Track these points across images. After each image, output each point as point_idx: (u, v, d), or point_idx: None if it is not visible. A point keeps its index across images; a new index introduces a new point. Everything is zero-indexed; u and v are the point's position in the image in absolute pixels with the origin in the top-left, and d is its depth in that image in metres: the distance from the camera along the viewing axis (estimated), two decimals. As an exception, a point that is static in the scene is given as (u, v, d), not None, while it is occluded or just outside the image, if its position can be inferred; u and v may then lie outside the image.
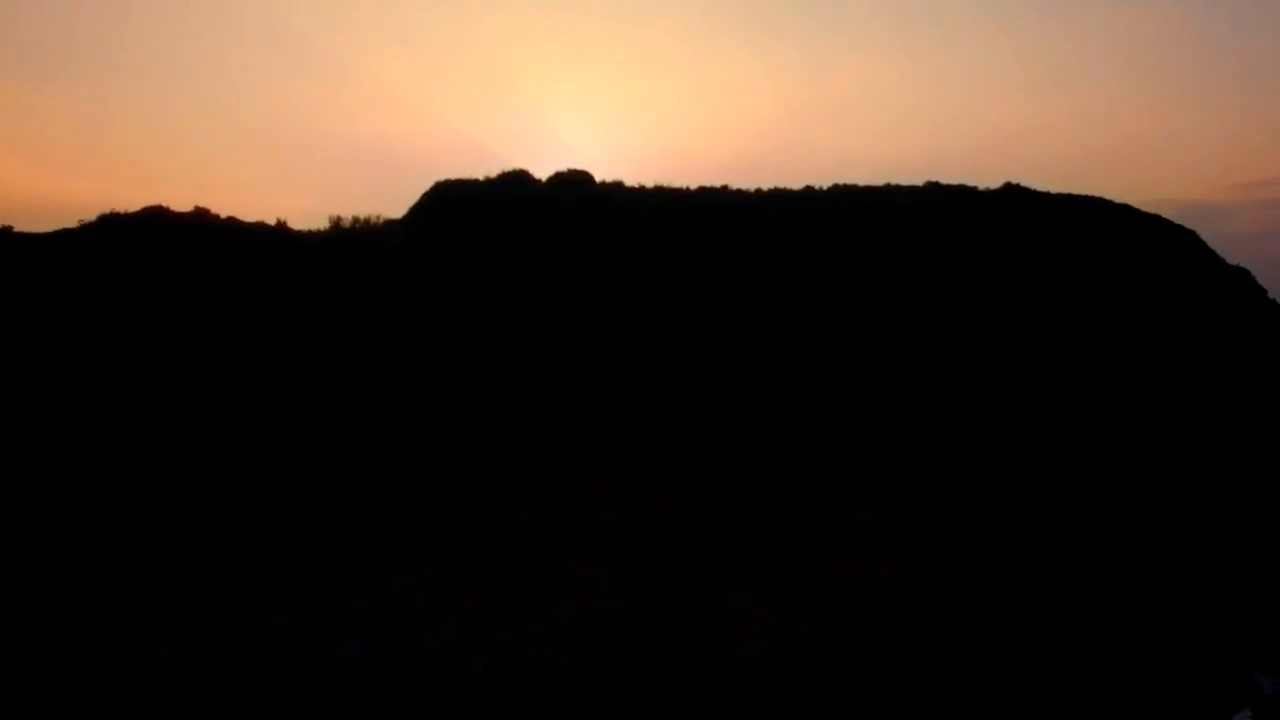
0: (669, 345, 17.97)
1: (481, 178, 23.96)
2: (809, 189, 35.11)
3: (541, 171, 25.48)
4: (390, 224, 21.67)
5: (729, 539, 14.55)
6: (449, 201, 22.11)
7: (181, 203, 19.05)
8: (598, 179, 26.03)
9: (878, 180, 36.30)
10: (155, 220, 18.24)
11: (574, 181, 24.47)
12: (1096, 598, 15.08)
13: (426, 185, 24.93)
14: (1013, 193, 38.98)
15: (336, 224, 19.12)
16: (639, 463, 15.01)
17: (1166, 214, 38.55)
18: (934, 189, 37.77)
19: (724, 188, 29.97)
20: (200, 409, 14.59)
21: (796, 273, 21.37)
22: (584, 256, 19.56)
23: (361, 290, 17.34)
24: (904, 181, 37.33)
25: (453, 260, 18.50)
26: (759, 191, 32.71)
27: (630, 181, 27.46)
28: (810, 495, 15.64)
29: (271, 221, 19.34)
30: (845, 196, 33.60)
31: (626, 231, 20.78)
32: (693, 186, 29.30)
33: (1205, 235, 37.10)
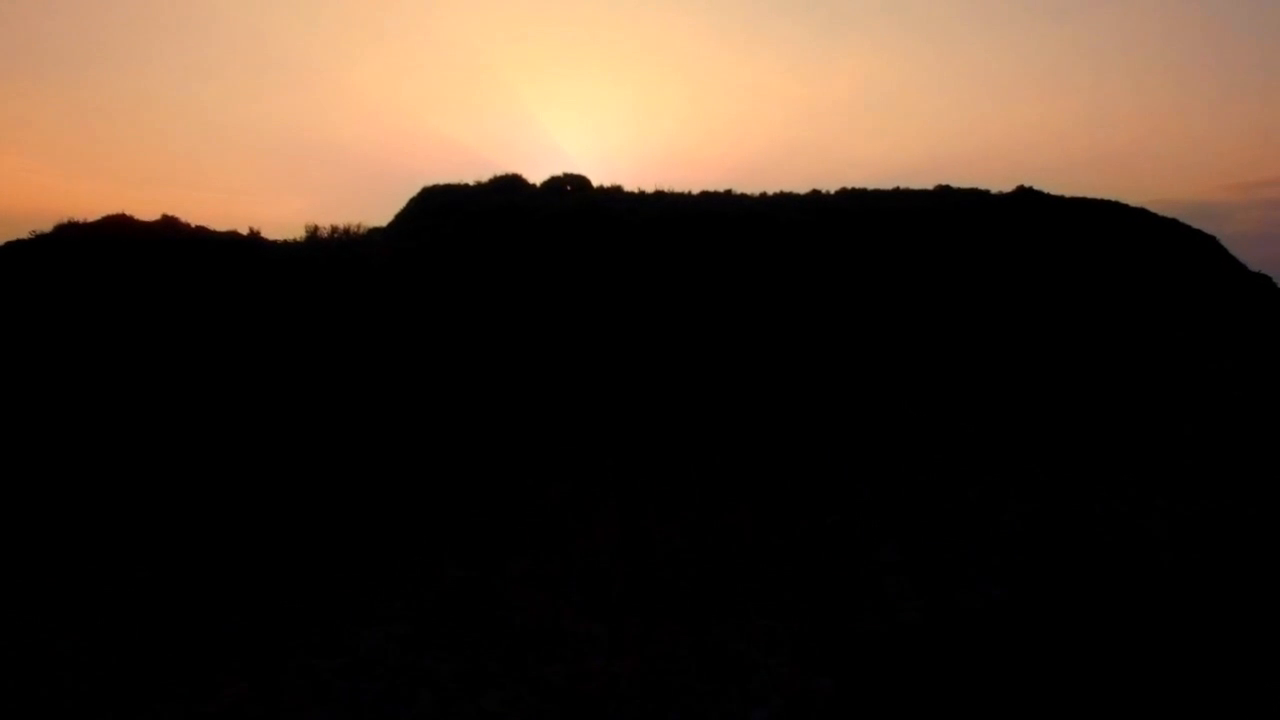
0: (673, 364, 16.63)
1: (472, 182, 22.67)
2: (815, 193, 33.78)
3: (535, 176, 24.18)
4: (374, 232, 20.36)
5: (739, 583, 13.27)
6: (437, 208, 20.78)
7: (182, 204, 17.66)
8: (595, 183, 24.72)
9: (883, 183, 34.97)
10: (117, 229, 16.88)
11: (570, 186, 23.16)
12: (1138, 638, 13.83)
13: (413, 192, 23.70)
14: (1026, 196, 37.72)
15: (313, 233, 17.80)
16: (640, 497, 13.70)
17: (1166, 214, 37.41)
18: (945, 193, 36.50)
19: (728, 192, 28.67)
20: (152, 436, 13.27)
21: (808, 283, 20.05)
22: (582, 266, 18.23)
23: (338, 304, 16.00)
24: (913, 185, 36.17)
25: (440, 271, 17.16)
26: (764, 196, 31.42)
27: (630, 186, 26.21)
28: (828, 533, 14.35)
29: (245, 230, 18.01)
30: (854, 201, 32.30)
31: (627, 239, 19.45)
32: (695, 191, 28.07)
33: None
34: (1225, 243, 39.41)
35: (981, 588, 14.46)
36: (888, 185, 33.68)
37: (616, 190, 24.85)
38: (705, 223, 19.89)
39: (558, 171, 23.95)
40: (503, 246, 18.79)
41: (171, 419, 13.30)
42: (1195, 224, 37.35)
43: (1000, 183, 39.19)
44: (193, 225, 18.02)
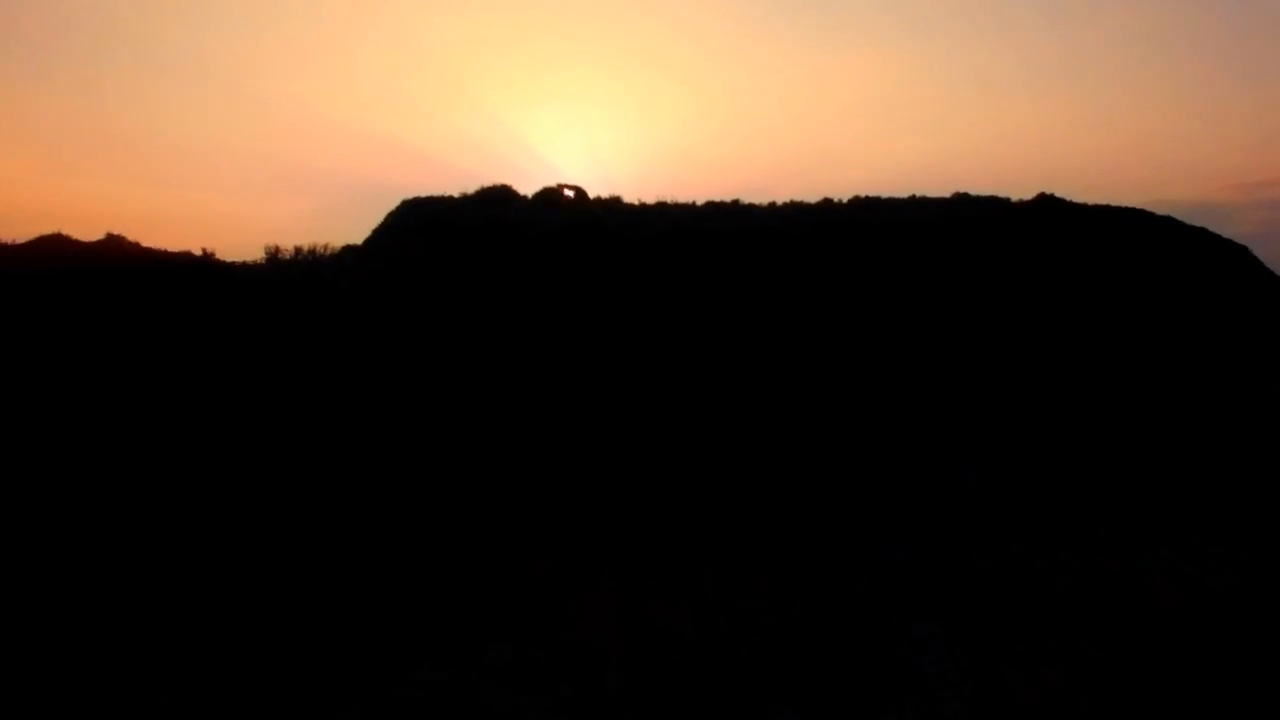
0: (678, 404, 14.72)
1: (457, 194, 20.75)
2: (827, 201, 31.89)
3: (527, 188, 22.29)
4: (348, 250, 18.47)
5: (756, 670, 11.39)
6: (417, 223, 18.87)
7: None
8: (591, 195, 22.82)
9: (888, 184, 33.08)
10: (50, 251, 14.99)
11: (564, 198, 21.26)
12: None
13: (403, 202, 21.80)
14: (1047, 204, 35.79)
15: (274, 254, 15.91)
16: (640, 568, 11.80)
17: (1167, 213, 35.69)
18: (962, 201, 34.61)
19: (735, 202, 26.80)
20: (47, 505, 11.37)
21: (825, 307, 18.14)
22: (577, 291, 16.31)
23: (297, 336, 14.08)
24: (922, 188, 34.25)
25: (414, 297, 15.24)
26: (773, 206, 29.56)
27: (629, 197, 24.32)
28: (857, 603, 12.46)
29: (208, 250, 16.10)
30: (868, 211, 30.41)
31: (628, 258, 17.53)
32: (700, 201, 26.19)
33: None
34: (1110, 205, 37.20)
35: (1034, 668, 12.58)
36: (898, 190, 31.81)
37: (615, 202, 22.94)
38: (712, 241, 17.99)
39: (550, 183, 22.09)
40: (488, 268, 16.87)
41: (91, 459, 11.43)
42: (1195, 224, 35.65)
43: (1000, 182, 37.23)
44: (140, 244, 16.14)
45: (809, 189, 33.24)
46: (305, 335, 13.92)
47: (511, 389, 14.16)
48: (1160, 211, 34.81)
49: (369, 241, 19.31)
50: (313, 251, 16.31)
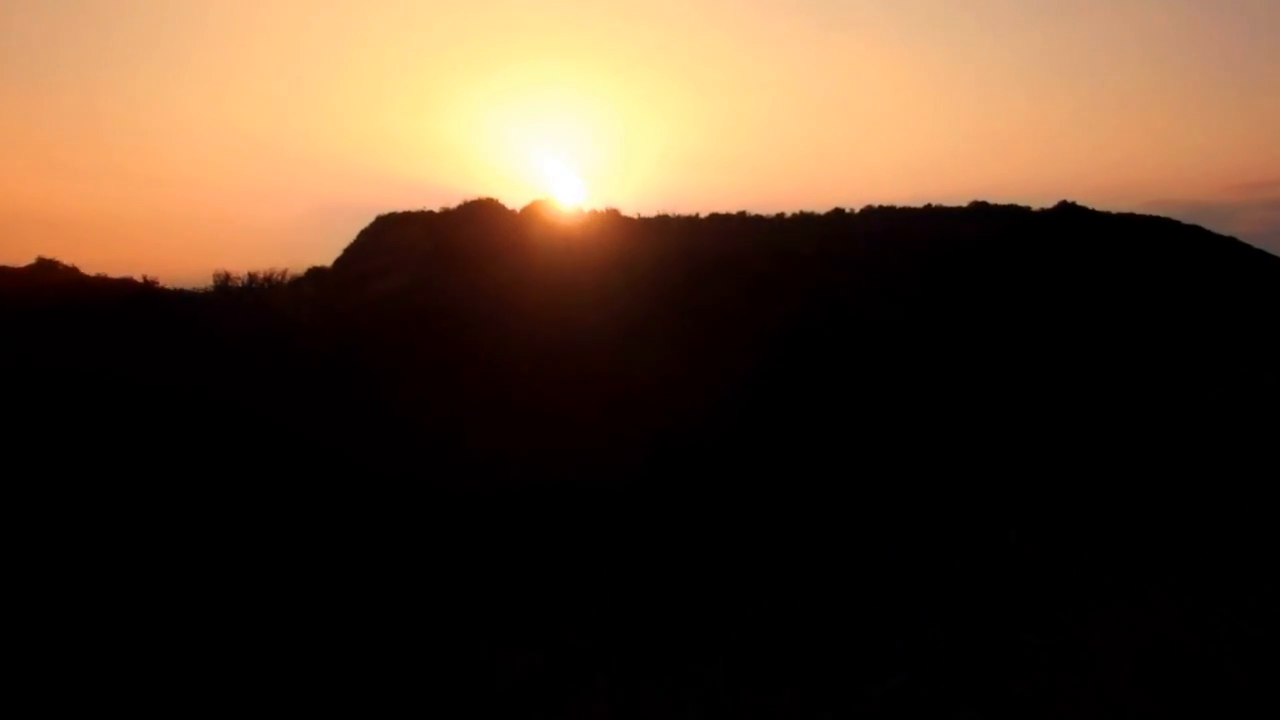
0: (678, 466, 12.89)
1: (437, 208, 18.91)
2: (838, 212, 30.05)
3: (514, 200, 20.48)
4: (314, 273, 16.62)
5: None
6: (392, 243, 17.05)
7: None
8: (586, 207, 20.96)
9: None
10: (-34, 280, 13.16)
11: (557, 212, 19.39)
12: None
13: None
14: (1069, 213, 33.93)
15: (224, 281, 14.10)
16: (636, 668, 9.96)
17: (1166, 214, 34.07)
18: (982, 210, 32.74)
19: (741, 214, 24.95)
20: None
21: (838, 346, 16.29)
22: (567, 332, 14.48)
23: (239, 379, 12.24)
24: (947, 202, 32.33)
25: (375, 333, 13.39)
26: (781, 218, 27.70)
27: (628, 208, 22.50)
28: (892, 700, 10.63)
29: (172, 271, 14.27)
30: (883, 222, 28.58)
31: (634, 287, 15.70)
32: (703, 214, 24.32)
33: None
34: (1134, 213, 35.38)
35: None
36: (901, 192, 29.88)
37: (613, 215, 21.09)
38: (727, 268, 16.11)
39: (539, 197, 20.23)
40: (470, 295, 15.02)
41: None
42: (1194, 224, 34.00)
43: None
44: (76, 270, 14.31)
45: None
46: (245, 380, 12.07)
47: (483, 440, 12.31)
48: (1160, 212, 33.06)
49: (338, 263, 17.48)
50: (269, 278, 14.47)
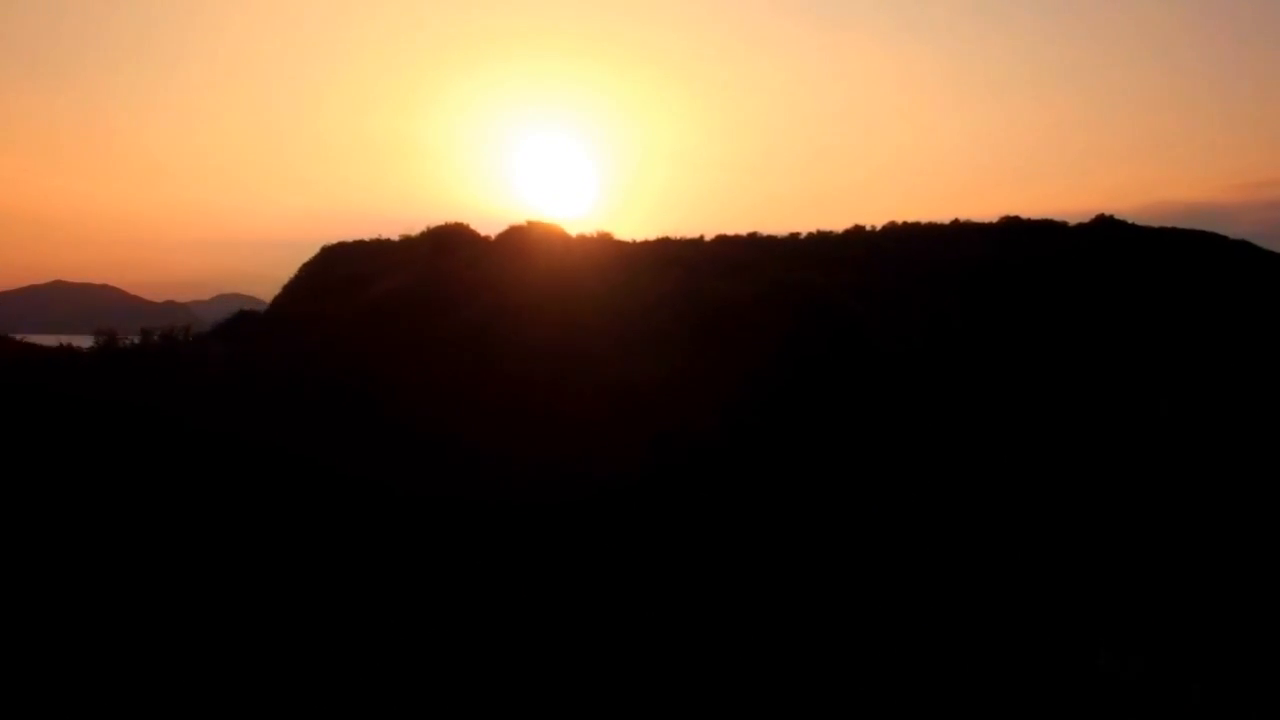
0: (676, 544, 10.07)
1: (396, 237, 16.11)
2: (858, 229, 27.07)
3: (489, 224, 17.71)
4: (241, 318, 13.78)
5: None
6: (340, 280, 14.24)
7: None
8: (573, 231, 18.14)
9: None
10: None
11: (538, 238, 16.53)
12: None
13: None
14: (1107, 227, 31.03)
15: (108, 342, 11.33)
16: None
17: (1166, 214, 31.41)
18: (1012, 226, 29.83)
19: (752, 236, 22.07)
20: None
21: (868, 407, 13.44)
22: (558, 380, 11.64)
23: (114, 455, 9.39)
24: (974, 218, 29.34)
25: (290, 394, 10.54)
26: (795, 238, 24.86)
27: (622, 230, 19.69)
28: None
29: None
30: (907, 243, 25.59)
31: (626, 327, 12.87)
32: (709, 236, 21.46)
33: None
34: (1175, 227, 32.61)
35: None
36: (932, 212, 27.09)
37: (604, 239, 18.27)
38: (728, 316, 13.23)
39: (515, 210, 17.37)
40: (432, 344, 12.18)
41: None
42: (1195, 224, 31.07)
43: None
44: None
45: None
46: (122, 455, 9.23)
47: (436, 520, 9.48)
48: (1160, 211, 30.32)
49: (275, 303, 14.69)
50: (170, 334, 11.70)
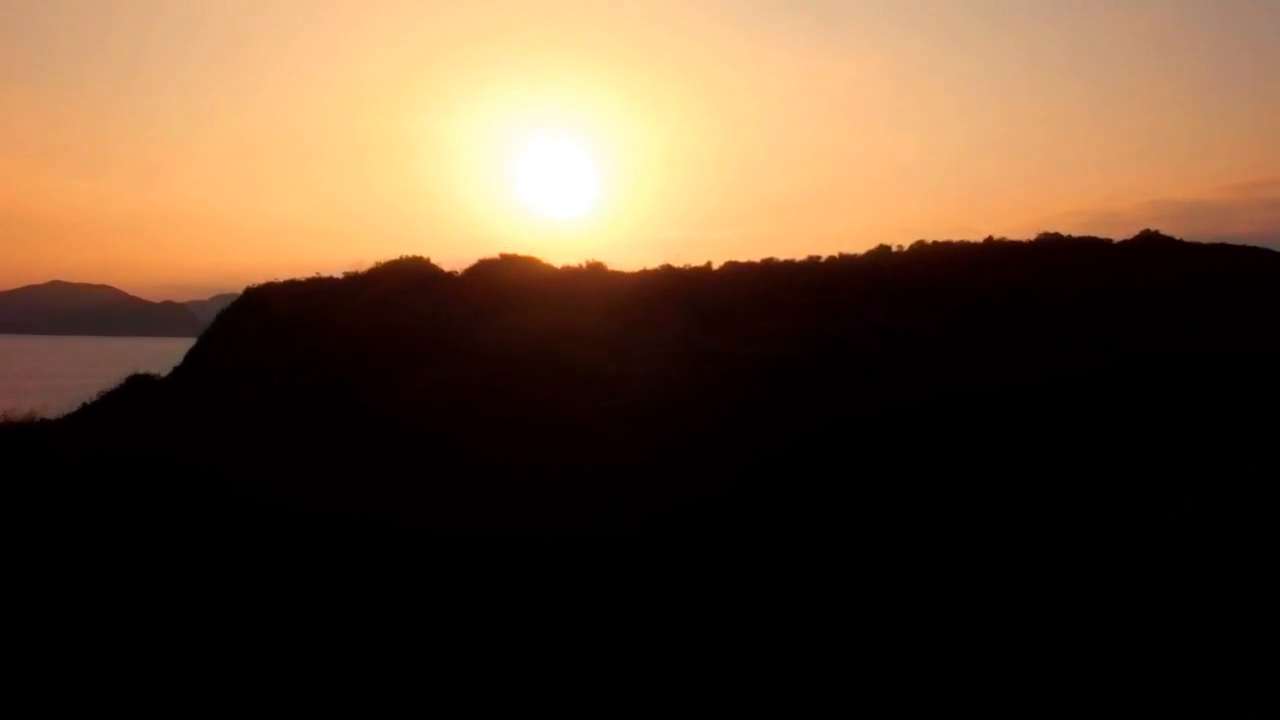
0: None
1: (341, 274, 13.35)
2: (884, 249, 24.35)
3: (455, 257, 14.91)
4: (136, 380, 11.01)
5: None
6: (259, 330, 11.47)
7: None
8: (560, 252, 15.37)
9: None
10: None
11: (514, 278, 13.74)
12: None
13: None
14: (1154, 244, 28.33)
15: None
16: None
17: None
18: (1051, 244, 27.07)
19: (767, 262, 19.28)
20: None
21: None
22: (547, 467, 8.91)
23: None
24: (1011, 236, 26.52)
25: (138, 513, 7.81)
26: (814, 260, 22.11)
27: (615, 258, 16.88)
28: None
29: None
30: (938, 267, 22.87)
31: (617, 406, 10.13)
32: (717, 264, 18.68)
33: (1205, 237, 27.13)
34: (1225, 243, 29.96)
35: None
36: (961, 229, 24.30)
37: (595, 270, 15.50)
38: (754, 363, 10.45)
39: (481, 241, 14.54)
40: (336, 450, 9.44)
41: None
42: (1195, 224, 28.39)
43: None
44: None
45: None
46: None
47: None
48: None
49: (191, 358, 11.94)
50: (26, 424, 8.98)
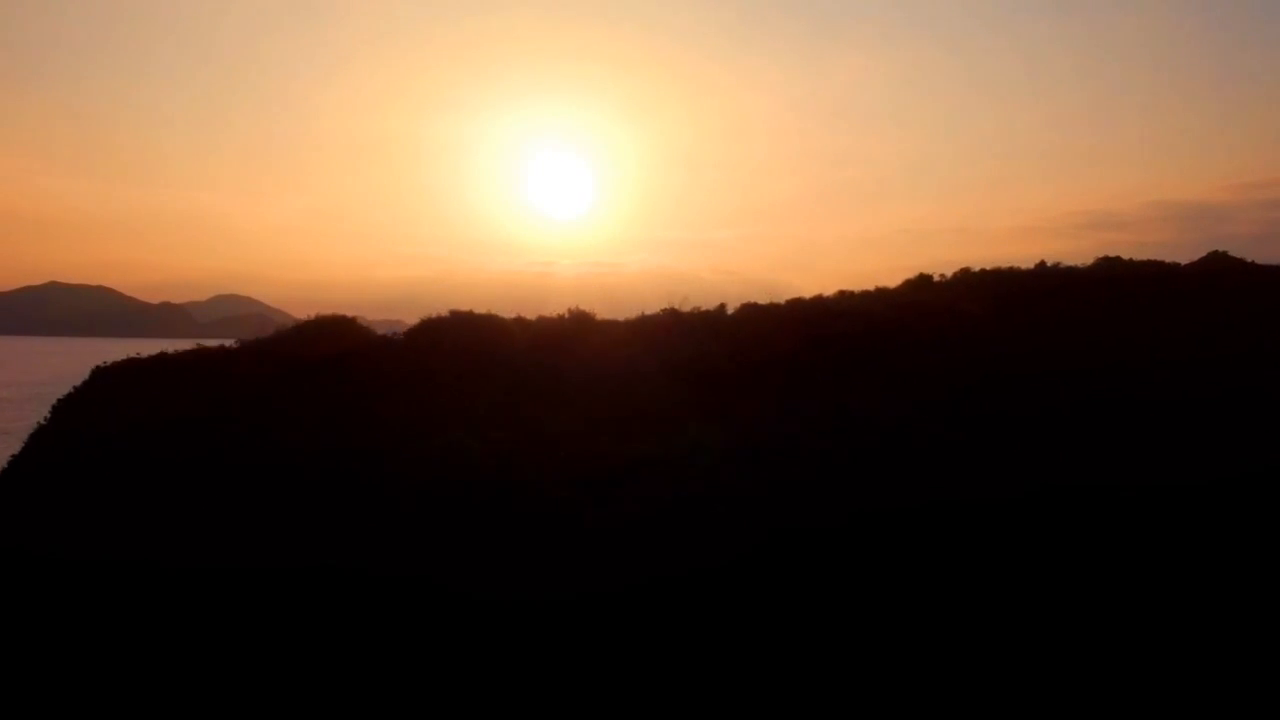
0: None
1: (229, 342, 9.98)
2: (924, 280, 20.96)
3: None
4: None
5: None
6: (98, 438, 8.14)
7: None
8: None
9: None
10: None
11: (467, 343, 10.35)
12: None
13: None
14: (1221, 266, 25.04)
15: None
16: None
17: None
18: (1112, 271, 23.72)
19: (795, 301, 15.89)
20: None
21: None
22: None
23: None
24: (1066, 260, 23.14)
25: None
26: (846, 295, 18.70)
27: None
28: None
29: None
30: (985, 301, 19.54)
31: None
32: (732, 307, 15.31)
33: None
34: (1225, 243, 27.08)
35: None
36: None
37: (582, 325, 12.13)
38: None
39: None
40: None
41: None
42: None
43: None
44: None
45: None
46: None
47: None
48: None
49: (10, 470, 8.64)
50: None
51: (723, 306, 14.65)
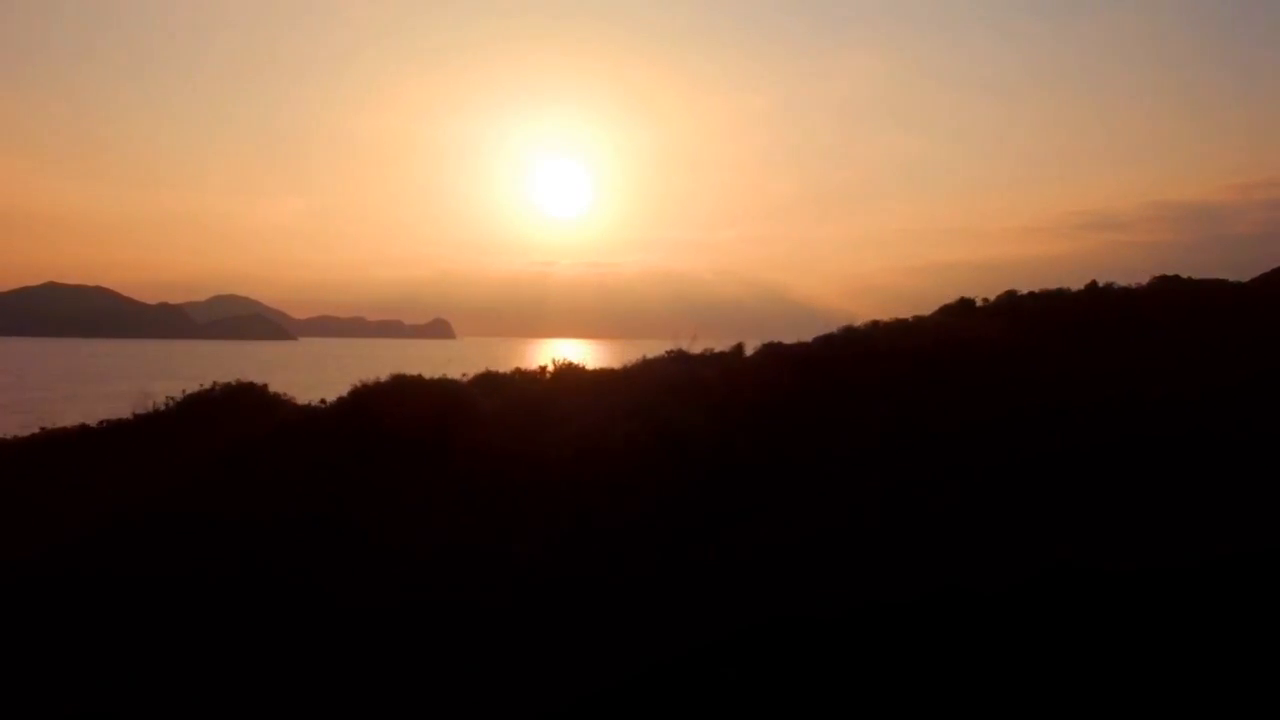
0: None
1: (97, 422, 7.33)
2: (966, 305, 18.40)
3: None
4: None
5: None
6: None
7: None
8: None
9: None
10: None
11: (426, 416, 7.88)
12: None
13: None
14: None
15: None
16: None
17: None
18: (1170, 292, 21.22)
19: (827, 339, 13.39)
20: None
21: None
22: None
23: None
24: (1117, 280, 20.62)
25: None
26: (878, 328, 16.20)
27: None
28: None
29: None
30: (1046, 334, 17.04)
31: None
32: (749, 349, 12.84)
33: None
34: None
35: None
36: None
37: (567, 377, 9.70)
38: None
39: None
40: None
41: None
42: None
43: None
44: None
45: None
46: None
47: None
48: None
49: None
50: None
51: (740, 346, 12.18)
